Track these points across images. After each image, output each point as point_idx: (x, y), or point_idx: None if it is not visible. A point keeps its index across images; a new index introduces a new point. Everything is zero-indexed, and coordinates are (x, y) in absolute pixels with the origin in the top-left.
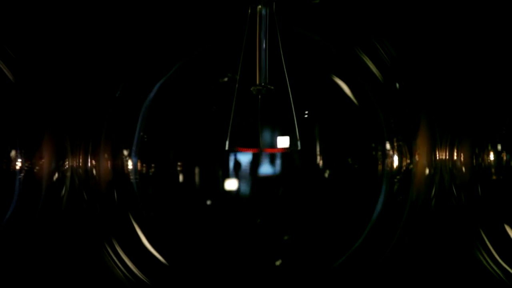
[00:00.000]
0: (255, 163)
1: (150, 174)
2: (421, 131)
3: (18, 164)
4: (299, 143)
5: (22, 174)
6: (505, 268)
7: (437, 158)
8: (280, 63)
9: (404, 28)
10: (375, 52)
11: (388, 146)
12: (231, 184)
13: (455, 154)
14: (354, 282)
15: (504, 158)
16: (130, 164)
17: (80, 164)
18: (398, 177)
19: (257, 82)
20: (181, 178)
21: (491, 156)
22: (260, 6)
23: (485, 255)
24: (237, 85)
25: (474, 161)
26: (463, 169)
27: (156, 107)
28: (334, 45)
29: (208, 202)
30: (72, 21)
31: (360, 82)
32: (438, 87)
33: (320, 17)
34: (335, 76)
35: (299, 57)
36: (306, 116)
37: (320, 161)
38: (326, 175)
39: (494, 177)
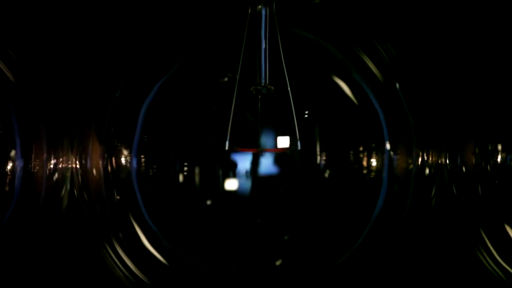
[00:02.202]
0: (255, 163)
1: (150, 174)
2: (421, 131)
3: (18, 164)
4: (299, 143)
5: (21, 174)
6: (505, 268)
7: (437, 158)
8: (280, 63)
9: (404, 28)
10: (375, 52)
11: (388, 146)
12: (231, 184)
13: (455, 154)
14: (354, 282)
15: (505, 158)
16: (130, 164)
17: (80, 164)
18: (398, 177)
19: (257, 82)
20: (181, 178)
21: (491, 156)
22: (260, 6)
23: (485, 255)
24: (236, 85)
25: (474, 161)
26: (463, 169)
27: (156, 107)
28: (334, 45)
29: (208, 202)
30: (72, 21)
31: (360, 82)
32: (438, 86)
33: (320, 17)
34: (335, 76)
35: (299, 57)
36: (306, 116)
37: (320, 161)
38: (326, 175)
39: (494, 177)
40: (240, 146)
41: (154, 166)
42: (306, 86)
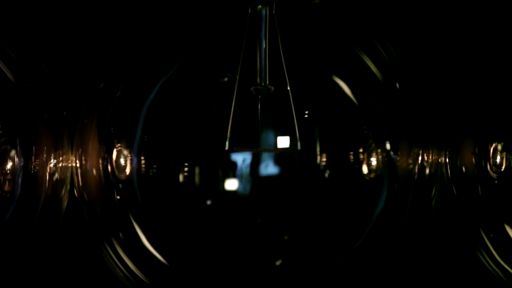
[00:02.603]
0: (255, 163)
1: (151, 174)
2: (421, 131)
3: (18, 164)
4: (299, 143)
5: (22, 174)
6: (505, 268)
7: (437, 158)
8: (280, 63)
9: (404, 28)
10: (375, 52)
11: (388, 146)
12: (231, 184)
13: (455, 154)
14: (354, 282)
15: (504, 158)
16: (130, 164)
17: (80, 164)
18: (398, 177)
19: (257, 82)
20: (181, 178)
21: (491, 156)
22: (260, 6)
23: (485, 255)
24: (236, 85)
25: (474, 161)
26: (463, 169)
27: (156, 107)
28: (334, 45)
29: (208, 202)
30: (72, 21)
31: (360, 82)
32: (438, 87)
33: (320, 17)
34: (335, 76)
35: (299, 57)
36: (306, 116)
37: (320, 161)
38: (326, 175)
39: (494, 177)
40: (240, 146)
41: (154, 166)
42: (306, 86)
